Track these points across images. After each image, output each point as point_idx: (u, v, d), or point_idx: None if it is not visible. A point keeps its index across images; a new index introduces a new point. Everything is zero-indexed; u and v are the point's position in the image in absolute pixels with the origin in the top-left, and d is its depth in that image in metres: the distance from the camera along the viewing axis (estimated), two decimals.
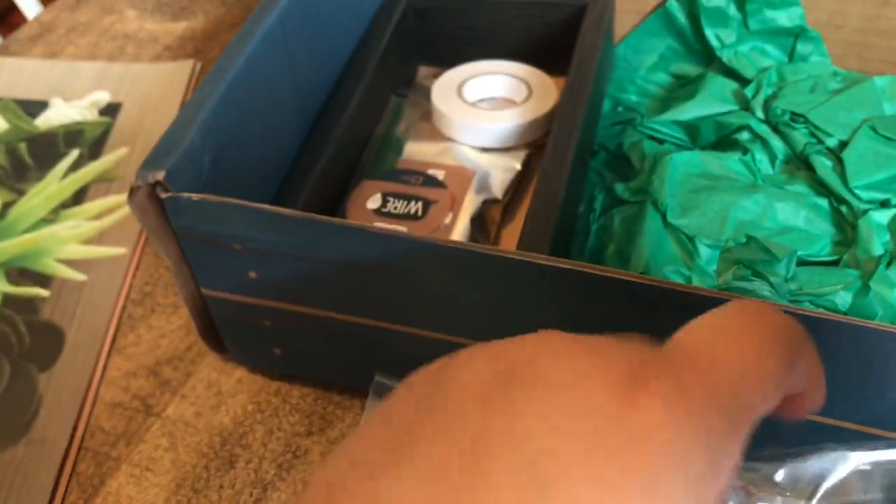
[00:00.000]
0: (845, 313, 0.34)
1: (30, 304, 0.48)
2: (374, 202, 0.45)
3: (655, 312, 0.28)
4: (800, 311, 0.27)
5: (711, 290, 0.28)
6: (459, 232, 0.44)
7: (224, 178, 0.38)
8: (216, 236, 0.35)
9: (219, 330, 0.41)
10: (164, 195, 0.34)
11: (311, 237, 0.34)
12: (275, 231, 0.34)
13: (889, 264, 0.40)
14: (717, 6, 0.50)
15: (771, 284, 0.34)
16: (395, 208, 0.45)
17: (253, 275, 0.36)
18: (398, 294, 0.35)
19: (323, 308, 0.37)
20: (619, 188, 0.47)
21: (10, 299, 0.48)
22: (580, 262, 0.30)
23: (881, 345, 0.28)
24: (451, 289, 0.33)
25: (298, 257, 0.35)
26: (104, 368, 0.44)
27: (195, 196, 0.33)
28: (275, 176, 0.44)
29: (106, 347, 0.45)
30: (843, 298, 0.33)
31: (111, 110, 0.63)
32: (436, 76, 0.53)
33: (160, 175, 0.33)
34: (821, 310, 0.35)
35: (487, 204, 0.47)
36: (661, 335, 0.20)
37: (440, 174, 0.47)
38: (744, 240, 0.40)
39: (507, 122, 0.48)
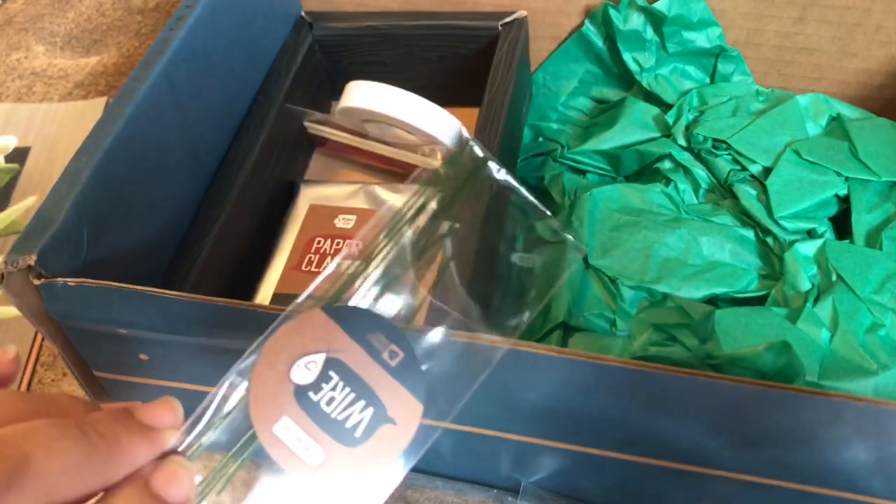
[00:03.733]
0: (767, 375, 0.32)
1: None
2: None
3: None
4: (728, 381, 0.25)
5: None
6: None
7: (107, 255, 0.35)
8: (99, 322, 0.32)
9: None
10: (37, 282, 0.31)
11: (200, 320, 0.31)
12: (161, 315, 0.31)
13: (817, 299, 0.38)
14: (633, 30, 0.48)
15: (687, 348, 0.32)
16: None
17: (144, 357, 0.34)
18: None
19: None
20: (540, 227, 0.45)
21: None
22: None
23: (810, 411, 0.27)
24: None
25: (191, 342, 0.32)
26: None
27: (71, 281, 0.31)
28: (168, 242, 0.41)
29: None
30: (765, 360, 0.32)
31: (19, 156, 0.59)
32: None
33: (31, 259, 0.31)
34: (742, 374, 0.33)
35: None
36: None
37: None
38: (662, 290, 0.39)
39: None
